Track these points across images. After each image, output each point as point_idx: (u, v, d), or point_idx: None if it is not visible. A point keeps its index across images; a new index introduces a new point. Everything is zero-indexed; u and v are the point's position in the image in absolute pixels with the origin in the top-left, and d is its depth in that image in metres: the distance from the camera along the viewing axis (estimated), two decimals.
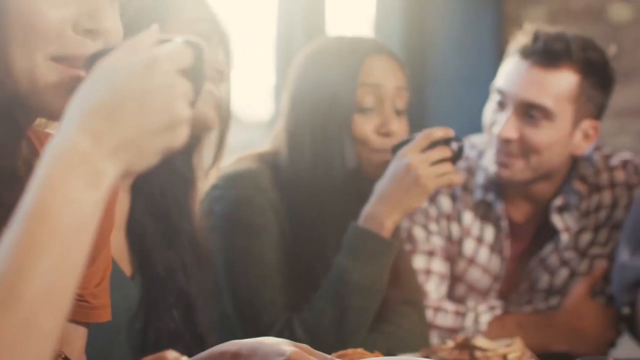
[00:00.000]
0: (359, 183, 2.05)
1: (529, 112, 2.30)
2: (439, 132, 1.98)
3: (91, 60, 1.06)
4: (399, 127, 2.07)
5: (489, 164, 2.37)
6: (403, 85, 2.10)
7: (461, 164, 2.44)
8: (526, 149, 2.31)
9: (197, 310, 1.72)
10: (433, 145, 1.97)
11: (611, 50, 2.38)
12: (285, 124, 2.09)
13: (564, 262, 2.44)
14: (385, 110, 2.05)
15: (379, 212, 1.96)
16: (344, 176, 2.02)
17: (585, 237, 2.45)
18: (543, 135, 2.30)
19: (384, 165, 2.03)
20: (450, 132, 1.99)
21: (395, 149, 2.00)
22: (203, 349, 1.32)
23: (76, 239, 0.95)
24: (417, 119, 4.27)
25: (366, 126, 2.04)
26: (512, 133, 2.30)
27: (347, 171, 2.03)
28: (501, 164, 2.33)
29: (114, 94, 0.97)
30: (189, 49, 1.02)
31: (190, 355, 1.49)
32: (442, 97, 4.18)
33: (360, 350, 1.69)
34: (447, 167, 1.96)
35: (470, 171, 2.44)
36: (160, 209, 1.72)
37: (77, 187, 0.95)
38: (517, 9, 4.37)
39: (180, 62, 1.00)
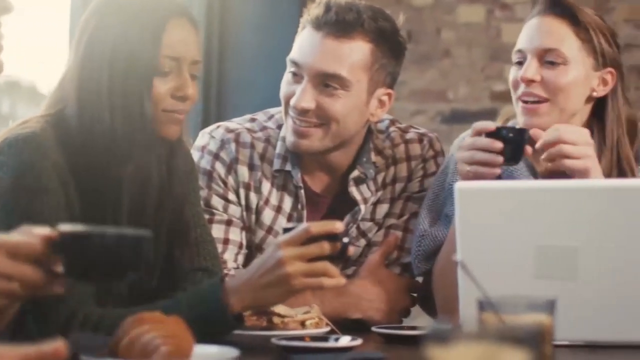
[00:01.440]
0: (153, 144, 2.00)
1: (325, 82, 2.32)
2: (323, 227, 1.86)
3: None
4: (193, 92, 2.02)
5: (287, 135, 2.38)
6: (199, 55, 2.05)
7: (259, 134, 2.44)
8: (324, 119, 2.33)
9: None
10: (316, 238, 1.84)
11: (400, 19, 2.42)
12: (76, 82, 1.99)
13: (362, 233, 2.47)
14: (182, 74, 2.00)
15: (236, 295, 1.87)
16: (144, 138, 1.97)
17: (382, 209, 2.48)
18: (340, 104, 2.32)
19: (175, 126, 2.00)
20: (336, 228, 1.86)
21: (286, 231, 1.90)
22: None
23: None
24: (216, 92, 4.27)
25: (163, 88, 1.98)
26: (308, 103, 2.32)
27: (147, 133, 1.97)
28: (299, 135, 2.35)
29: None
30: None
31: None
32: (242, 69, 4.17)
33: (157, 314, 1.66)
34: (322, 266, 1.85)
35: (269, 141, 2.43)
36: None
37: None
38: None
39: None
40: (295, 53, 2.36)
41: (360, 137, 2.44)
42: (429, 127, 4.55)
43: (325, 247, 1.84)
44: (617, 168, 2.32)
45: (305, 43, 2.34)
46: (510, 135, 2.19)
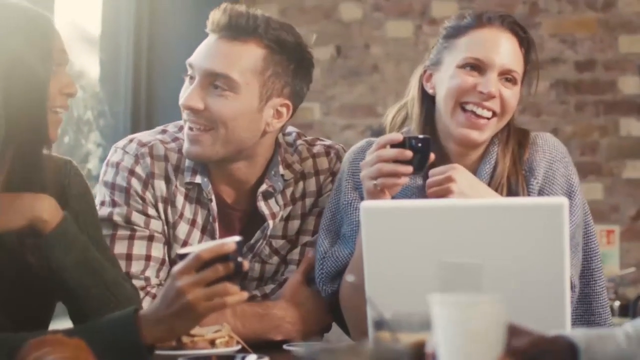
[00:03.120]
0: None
1: (214, 82, 2.34)
2: (214, 251, 1.88)
3: None
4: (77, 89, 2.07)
5: (184, 142, 2.39)
6: None
7: (172, 145, 2.42)
8: (212, 121, 2.34)
9: None
10: (209, 263, 1.87)
11: (311, 38, 2.44)
12: None
13: (275, 251, 2.47)
14: (65, 72, 2.04)
15: (148, 327, 1.88)
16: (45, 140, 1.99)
17: (294, 225, 2.49)
18: (227, 105, 2.33)
19: (57, 126, 2.03)
20: (227, 249, 1.89)
21: (181, 257, 1.92)
22: None
23: None
24: (145, 109, 4.26)
25: (53, 87, 2.01)
26: (195, 102, 2.34)
27: (47, 135, 2.00)
28: (191, 141, 2.36)
29: None
30: None
31: None
32: (171, 87, 4.16)
33: (58, 335, 1.66)
34: (222, 287, 1.88)
35: (182, 152, 2.41)
36: None
37: None
38: (248, 5, 4.41)
39: None
40: (192, 56, 2.38)
41: (266, 149, 2.44)
42: (357, 141, 4.58)
43: (220, 269, 1.87)
44: (514, 172, 2.37)
45: (202, 46, 2.38)
46: (419, 145, 2.18)
